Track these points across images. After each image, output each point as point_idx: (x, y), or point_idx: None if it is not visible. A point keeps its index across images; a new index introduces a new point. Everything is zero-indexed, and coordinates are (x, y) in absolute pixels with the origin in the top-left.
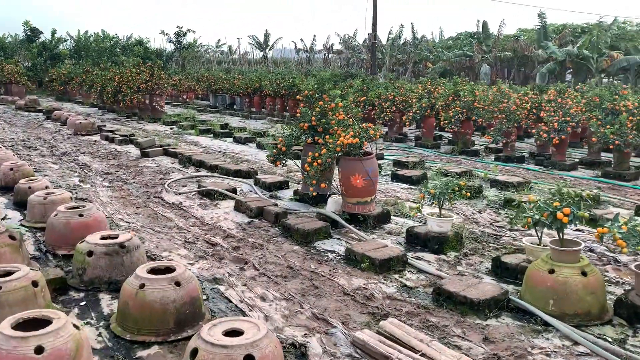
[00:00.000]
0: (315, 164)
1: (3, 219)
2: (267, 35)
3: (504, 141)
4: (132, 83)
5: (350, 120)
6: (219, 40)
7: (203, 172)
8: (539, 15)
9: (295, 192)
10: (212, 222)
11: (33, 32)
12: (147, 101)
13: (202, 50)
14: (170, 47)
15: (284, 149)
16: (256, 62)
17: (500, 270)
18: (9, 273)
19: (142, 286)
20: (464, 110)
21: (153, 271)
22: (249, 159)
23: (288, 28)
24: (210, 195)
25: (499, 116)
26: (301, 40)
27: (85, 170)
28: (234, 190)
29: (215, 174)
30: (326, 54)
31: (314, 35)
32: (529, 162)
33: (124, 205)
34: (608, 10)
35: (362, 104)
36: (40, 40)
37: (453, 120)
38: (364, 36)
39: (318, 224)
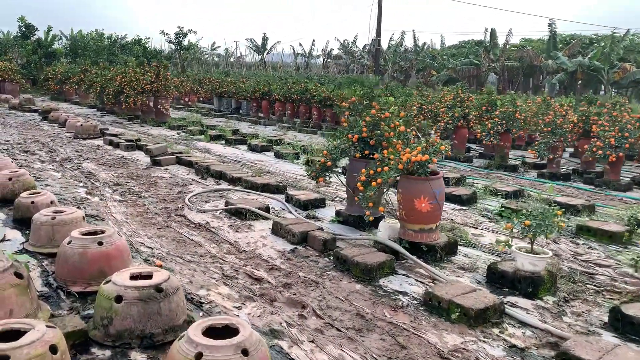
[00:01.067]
0: (373, 183)
1: (2, 240)
2: (265, 39)
3: (550, 157)
4: (136, 84)
5: (414, 132)
6: (213, 42)
7: (225, 185)
8: (549, 25)
9: (338, 213)
10: (250, 249)
11: (28, 29)
12: (151, 103)
13: (202, 52)
14: (169, 48)
15: (329, 163)
16: (254, 66)
17: (622, 325)
18: (18, 333)
19: (199, 356)
20: (504, 121)
21: (209, 331)
22: (271, 170)
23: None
24: (240, 214)
25: (545, 129)
26: (300, 44)
27: (92, 180)
28: (267, 209)
29: (238, 188)
30: (325, 59)
31: (313, 40)
32: (575, 180)
33: (142, 225)
34: (617, 23)
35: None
36: (35, 37)
37: (492, 132)
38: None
39: (379, 257)
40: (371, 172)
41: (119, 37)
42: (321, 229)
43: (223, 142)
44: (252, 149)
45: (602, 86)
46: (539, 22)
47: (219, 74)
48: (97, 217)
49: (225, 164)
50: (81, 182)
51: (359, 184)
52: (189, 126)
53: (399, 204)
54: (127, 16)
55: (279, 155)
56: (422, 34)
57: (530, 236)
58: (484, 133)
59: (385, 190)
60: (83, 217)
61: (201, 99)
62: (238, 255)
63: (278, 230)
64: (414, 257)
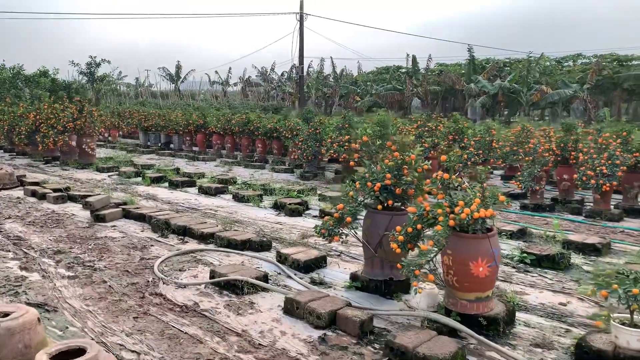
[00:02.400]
0: (424, 247)
1: None
2: (178, 67)
3: (537, 187)
4: (56, 121)
5: (460, 178)
6: (120, 72)
7: (194, 245)
8: (468, 50)
9: (354, 277)
10: (267, 342)
11: None
12: (73, 143)
13: (118, 82)
14: (81, 79)
15: (349, 219)
16: (167, 95)
17: None
18: None
19: None
20: (480, 151)
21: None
22: (239, 219)
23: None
24: (232, 286)
25: (527, 158)
26: (216, 72)
27: (24, 248)
28: (265, 278)
29: (211, 247)
30: (244, 86)
31: (230, 68)
32: (560, 210)
33: (112, 314)
34: (529, 48)
35: (346, 145)
36: None
37: (470, 163)
38: (283, 68)
39: (447, 344)
40: (409, 230)
41: (19, 66)
42: (349, 304)
43: (167, 184)
44: (205, 192)
45: (521, 107)
46: (453, 47)
47: (136, 106)
48: (45, 307)
49: (184, 215)
50: (9, 251)
51: (393, 244)
52: (120, 167)
53: (446, 268)
54: (23, 46)
55: (239, 199)
56: (338, 60)
57: (636, 307)
58: (459, 164)
59: (433, 255)
60: (38, 318)
61: (120, 133)
62: (256, 354)
63: (294, 309)
64: (485, 339)
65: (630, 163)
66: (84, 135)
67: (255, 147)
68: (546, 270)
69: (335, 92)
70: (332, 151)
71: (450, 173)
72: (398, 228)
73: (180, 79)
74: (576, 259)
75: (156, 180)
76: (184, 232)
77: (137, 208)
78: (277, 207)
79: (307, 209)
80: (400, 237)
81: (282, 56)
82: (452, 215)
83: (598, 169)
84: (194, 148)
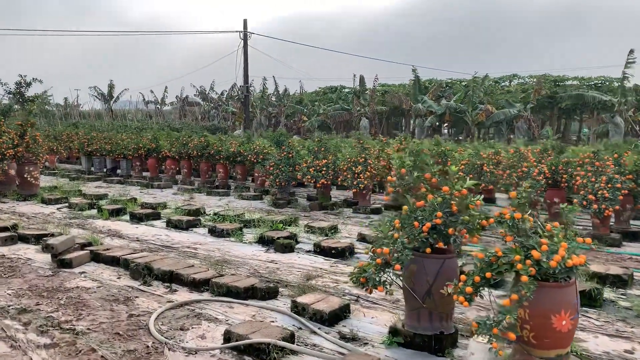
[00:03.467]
0: (505, 302)
1: None
2: (111, 87)
3: (535, 213)
4: None
5: (530, 219)
6: (45, 91)
7: (185, 294)
8: (413, 71)
9: (395, 331)
10: None
11: None
12: (12, 172)
13: (49, 103)
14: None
15: (397, 266)
16: (99, 115)
17: None
18: None
19: None
20: (470, 175)
21: None
22: (226, 259)
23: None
24: (257, 351)
25: (524, 183)
26: (151, 91)
27: None
28: (291, 338)
29: (206, 296)
30: (182, 106)
31: (166, 87)
32: None
33: None
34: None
35: (324, 170)
36: None
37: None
38: (223, 87)
39: None
40: (477, 279)
41: None
42: None
43: (128, 217)
44: (175, 225)
45: (467, 127)
46: (394, 68)
47: (70, 127)
48: None
49: (165, 258)
50: None
51: (460, 297)
52: (68, 197)
53: (520, 322)
54: None
55: (217, 233)
56: (280, 80)
57: None
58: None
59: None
60: None
61: (58, 158)
62: None
63: None
64: None
65: (631, 187)
66: (26, 163)
67: (216, 172)
68: (585, 309)
69: (281, 111)
70: (308, 176)
71: (522, 211)
72: (463, 277)
73: (113, 99)
74: (606, 292)
75: (115, 213)
76: (170, 278)
77: (108, 249)
78: (265, 242)
79: (297, 242)
80: (469, 289)
81: (221, 75)
82: (528, 262)
83: (599, 193)
84: (145, 174)
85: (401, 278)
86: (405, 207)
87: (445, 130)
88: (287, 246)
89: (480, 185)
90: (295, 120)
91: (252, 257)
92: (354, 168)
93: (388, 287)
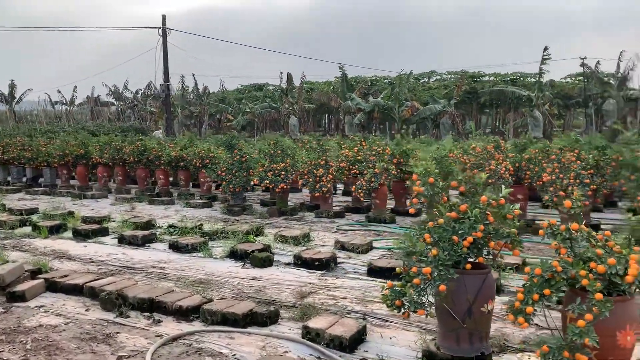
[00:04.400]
0: (580, 322)
1: None
2: (12, 87)
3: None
4: None
5: (584, 228)
6: None
7: (172, 325)
8: (340, 68)
9: (430, 355)
10: None
11: None
12: None
13: None
14: None
15: (443, 287)
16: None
17: None
18: None
19: None
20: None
21: None
22: (201, 279)
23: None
24: None
25: (491, 181)
26: (59, 91)
27: None
28: None
29: (198, 326)
30: (93, 106)
31: (75, 86)
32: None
33: None
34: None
35: (282, 174)
36: None
37: (365, 186)
38: (137, 86)
39: None
40: (535, 297)
41: None
42: None
43: (71, 234)
44: (130, 242)
45: (394, 123)
46: (316, 65)
47: None
48: None
49: (137, 282)
50: None
51: (516, 316)
52: None
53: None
54: None
55: (181, 249)
56: (200, 77)
57: None
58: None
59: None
60: None
61: None
62: None
63: None
64: None
65: (599, 182)
66: None
67: (156, 178)
68: None
69: (204, 110)
70: (267, 181)
71: (579, 222)
72: (520, 296)
73: (15, 99)
74: None
75: (55, 230)
76: (151, 306)
77: (65, 276)
78: (237, 256)
79: (272, 254)
80: (530, 309)
81: (136, 73)
82: (591, 276)
83: (569, 189)
84: (73, 182)
85: (436, 297)
86: (440, 219)
87: (374, 127)
88: (266, 260)
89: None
90: (219, 119)
91: (230, 275)
92: (315, 171)
93: (428, 309)
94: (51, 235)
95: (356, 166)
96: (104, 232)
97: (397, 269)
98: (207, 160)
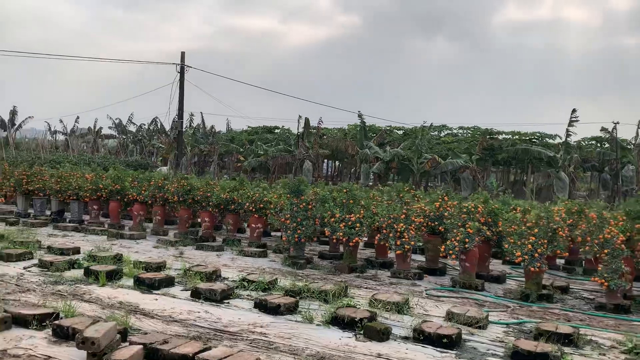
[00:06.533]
0: None
1: None
2: (14, 113)
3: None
4: None
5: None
6: None
7: None
8: (360, 116)
9: None
10: None
11: None
12: None
13: None
14: None
15: None
16: None
17: None
18: None
19: None
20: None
21: None
22: (320, 354)
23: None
24: None
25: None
26: (60, 121)
27: None
28: None
29: None
30: (95, 138)
31: (77, 117)
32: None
33: None
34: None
35: (357, 226)
36: None
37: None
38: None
39: None
40: None
41: None
42: None
43: (131, 283)
44: (207, 297)
45: (412, 175)
46: (334, 113)
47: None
48: None
49: (260, 358)
50: None
51: None
52: (31, 251)
53: None
54: None
55: (271, 310)
56: (207, 115)
57: None
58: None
59: None
60: None
61: None
62: None
63: None
64: None
65: None
66: None
67: (202, 221)
68: None
69: (214, 150)
70: (340, 233)
71: None
72: None
73: (15, 126)
74: None
75: (111, 276)
76: None
77: (166, 343)
78: (342, 323)
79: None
80: None
81: (142, 108)
82: None
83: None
84: (103, 219)
85: None
86: None
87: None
88: (384, 333)
89: (556, 252)
90: (229, 160)
91: (348, 350)
92: (395, 225)
93: None
94: (111, 283)
95: (435, 223)
96: (170, 282)
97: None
98: (261, 205)
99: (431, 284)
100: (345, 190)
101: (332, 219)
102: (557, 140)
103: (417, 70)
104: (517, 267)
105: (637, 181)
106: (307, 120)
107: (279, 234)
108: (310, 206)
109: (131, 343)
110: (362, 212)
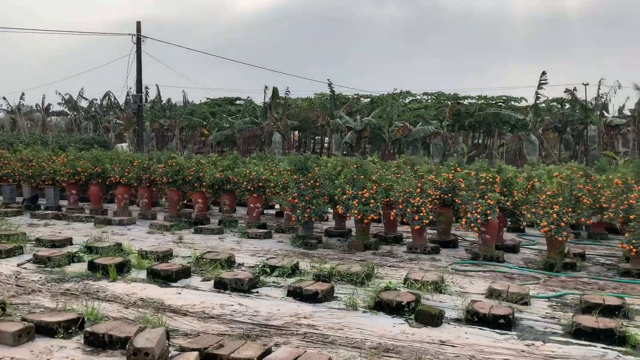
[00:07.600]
0: None
1: None
2: None
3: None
4: None
5: None
6: None
7: None
8: (329, 85)
9: None
10: None
11: None
12: None
13: None
14: None
15: None
16: None
17: None
18: None
19: None
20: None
21: None
22: (382, 345)
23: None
24: None
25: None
26: (4, 98)
27: None
28: None
29: None
30: (43, 116)
31: (22, 93)
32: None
33: None
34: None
35: (372, 202)
36: None
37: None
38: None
39: None
40: None
41: None
42: None
43: (144, 276)
44: (234, 288)
45: (384, 143)
46: (297, 82)
47: None
48: None
49: (333, 358)
50: None
51: None
52: (21, 246)
53: None
54: None
55: (306, 297)
56: (163, 88)
57: None
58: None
59: None
60: None
61: None
62: None
63: None
64: None
65: None
66: None
67: (194, 202)
68: None
69: (175, 124)
70: (355, 211)
71: None
72: None
73: None
74: None
75: (120, 269)
76: None
77: (221, 347)
78: (387, 308)
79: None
80: None
81: (93, 81)
82: None
83: None
84: (82, 204)
85: None
86: None
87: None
88: (439, 316)
89: (580, 219)
90: (192, 134)
91: (407, 339)
92: (411, 200)
93: None
94: (122, 276)
95: (448, 195)
96: (187, 273)
97: None
98: (260, 184)
99: (450, 257)
100: (356, 165)
101: (345, 196)
102: (524, 103)
103: (368, 36)
104: (522, 234)
105: (599, 141)
106: (275, 90)
107: (272, 211)
108: (318, 183)
109: (182, 349)
110: (374, 187)
